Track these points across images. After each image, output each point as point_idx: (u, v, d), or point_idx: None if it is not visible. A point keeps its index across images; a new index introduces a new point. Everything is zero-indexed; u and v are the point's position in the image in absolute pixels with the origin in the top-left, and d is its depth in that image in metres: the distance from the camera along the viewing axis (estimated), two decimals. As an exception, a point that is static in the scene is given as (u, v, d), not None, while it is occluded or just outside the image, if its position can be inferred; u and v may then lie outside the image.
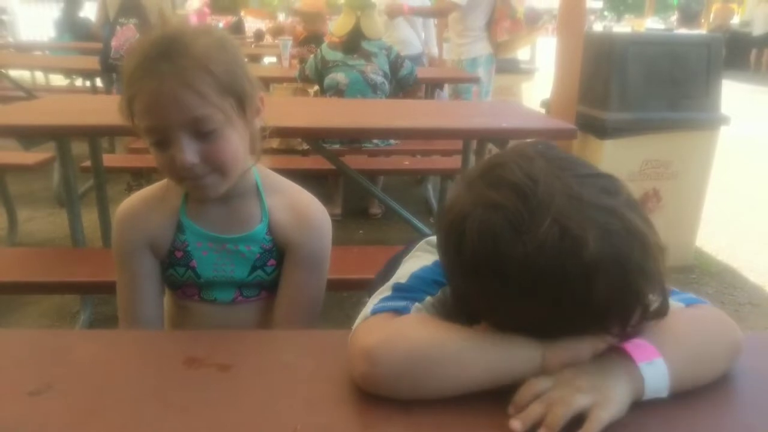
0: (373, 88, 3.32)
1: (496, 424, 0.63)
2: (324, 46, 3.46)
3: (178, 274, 1.01)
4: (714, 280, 2.84)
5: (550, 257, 0.58)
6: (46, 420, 0.63)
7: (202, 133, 0.87)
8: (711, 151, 2.82)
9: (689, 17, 5.49)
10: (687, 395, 0.66)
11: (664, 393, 0.64)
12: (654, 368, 0.64)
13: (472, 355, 0.65)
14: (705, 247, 3.17)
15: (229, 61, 0.88)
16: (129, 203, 1.02)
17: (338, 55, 3.33)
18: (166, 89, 0.83)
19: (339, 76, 3.32)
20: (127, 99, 0.87)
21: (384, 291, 0.77)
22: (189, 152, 0.86)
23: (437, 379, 0.65)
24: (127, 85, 0.87)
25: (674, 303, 0.74)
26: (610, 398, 0.62)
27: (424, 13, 4.53)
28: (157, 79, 0.83)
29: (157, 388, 0.69)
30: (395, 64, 3.40)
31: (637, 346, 0.65)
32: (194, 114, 0.85)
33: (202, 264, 1.00)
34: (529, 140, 0.70)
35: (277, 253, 1.03)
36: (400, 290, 0.76)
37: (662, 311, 0.65)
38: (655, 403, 0.64)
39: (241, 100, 0.90)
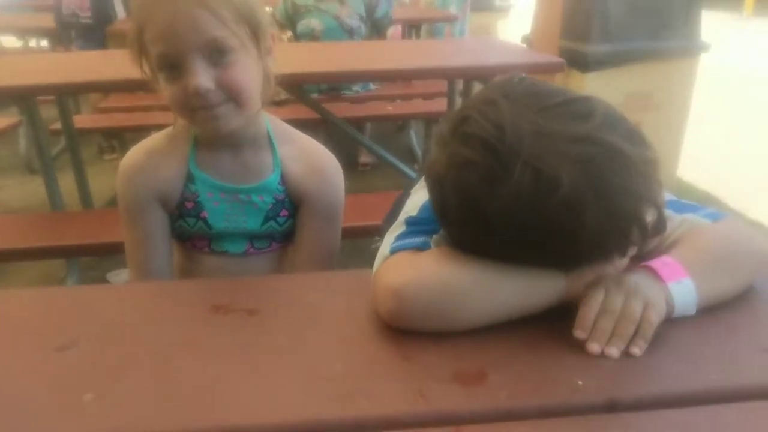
0: (349, 34, 3.20)
1: (530, 338, 0.64)
2: None
3: (188, 225, 0.99)
4: (696, 209, 2.90)
5: (529, 203, 0.58)
6: (75, 374, 0.62)
7: (218, 57, 0.84)
8: (691, 80, 2.84)
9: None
10: (718, 308, 0.67)
11: (692, 311, 0.65)
12: (682, 287, 0.64)
13: (499, 285, 0.65)
14: (686, 177, 3.22)
15: None
16: (133, 156, 0.98)
17: (309, 0, 3.20)
18: (183, 10, 0.80)
19: (313, 22, 3.18)
20: (138, 26, 0.83)
21: (398, 227, 0.76)
22: (204, 76, 0.83)
23: (466, 311, 0.65)
24: (139, 10, 0.83)
25: (700, 219, 0.74)
26: (654, 300, 0.62)
27: None
28: (173, 0, 0.81)
29: (186, 335, 0.68)
30: (371, 4, 3.24)
31: (666, 265, 0.65)
32: (211, 34, 0.82)
33: (213, 214, 0.98)
34: (495, 78, 0.67)
35: (290, 204, 1.01)
36: (414, 224, 0.75)
37: (660, 227, 0.64)
38: (686, 318, 0.65)
39: (256, 32, 0.88)
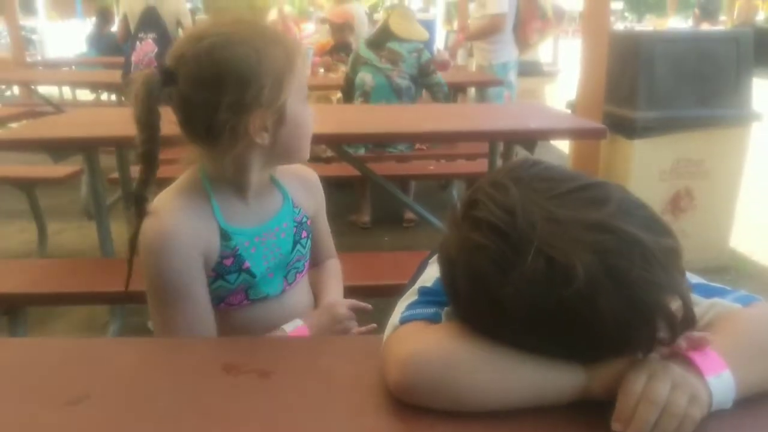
0: (398, 94, 3.33)
1: (545, 425, 0.61)
2: (362, 42, 3.56)
3: (229, 282, 0.96)
4: (750, 282, 2.74)
5: (542, 291, 0.56)
6: (85, 430, 0.62)
7: None
8: (743, 149, 2.76)
9: (709, 14, 5.38)
10: (754, 400, 0.62)
11: (728, 405, 0.60)
12: (721, 382, 0.59)
13: (511, 365, 0.62)
14: (740, 248, 3.07)
15: None
16: (164, 221, 0.89)
17: (370, 54, 3.39)
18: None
19: (367, 77, 3.35)
20: (282, 67, 0.91)
21: (410, 296, 0.75)
22: None
23: (474, 391, 0.62)
24: (284, 60, 0.91)
25: (730, 303, 0.70)
26: (699, 396, 0.57)
27: (480, 35, 4.15)
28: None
29: (197, 396, 0.68)
30: (425, 68, 3.38)
31: (705, 357, 0.60)
32: None
33: (254, 261, 0.98)
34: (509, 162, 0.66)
35: (305, 225, 1.08)
36: (426, 294, 0.74)
37: (688, 319, 0.60)
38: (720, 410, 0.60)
39: None
